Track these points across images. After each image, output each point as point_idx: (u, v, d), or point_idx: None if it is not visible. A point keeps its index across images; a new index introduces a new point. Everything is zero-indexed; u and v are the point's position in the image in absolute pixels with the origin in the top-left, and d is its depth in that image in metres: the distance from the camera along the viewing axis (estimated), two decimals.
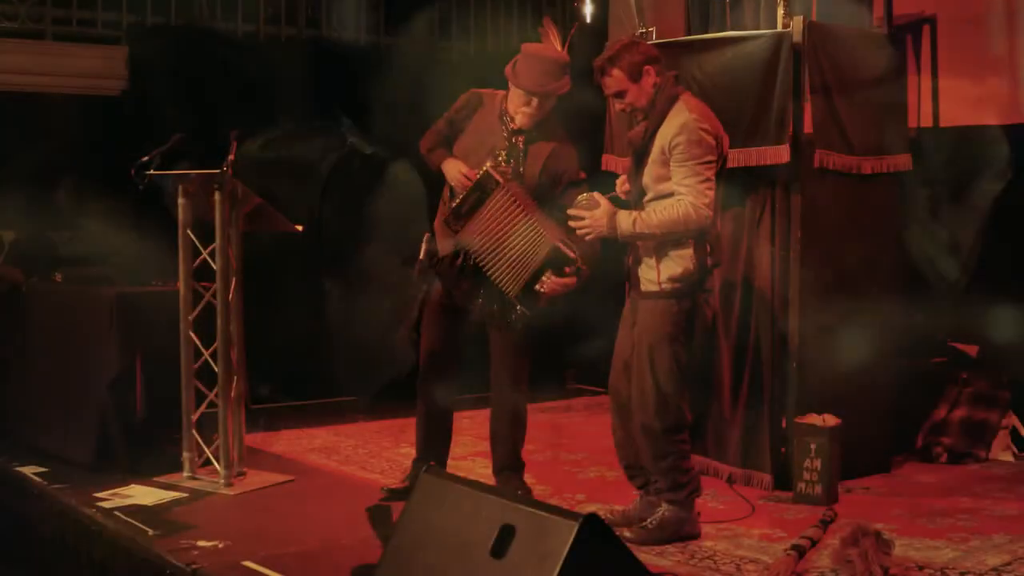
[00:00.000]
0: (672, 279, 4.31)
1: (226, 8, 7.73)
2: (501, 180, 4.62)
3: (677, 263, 4.31)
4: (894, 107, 5.53)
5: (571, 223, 4.40)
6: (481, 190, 4.63)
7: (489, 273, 4.68)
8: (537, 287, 4.61)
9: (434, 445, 5.02)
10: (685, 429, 4.42)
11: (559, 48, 4.77)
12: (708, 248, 4.33)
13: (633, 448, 4.52)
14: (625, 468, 4.64)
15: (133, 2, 7.44)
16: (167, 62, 7.27)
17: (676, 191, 4.24)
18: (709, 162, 4.24)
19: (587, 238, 4.43)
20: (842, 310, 5.37)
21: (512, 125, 4.77)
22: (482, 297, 4.78)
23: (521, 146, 4.77)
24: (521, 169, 4.76)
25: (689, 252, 4.29)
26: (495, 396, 4.99)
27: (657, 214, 4.24)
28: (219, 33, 7.64)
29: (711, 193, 4.24)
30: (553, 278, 4.57)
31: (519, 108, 4.73)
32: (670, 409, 4.35)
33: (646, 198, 4.36)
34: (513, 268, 4.63)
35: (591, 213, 4.32)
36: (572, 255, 4.53)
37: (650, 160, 4.31)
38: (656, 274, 4.34)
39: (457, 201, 4.70)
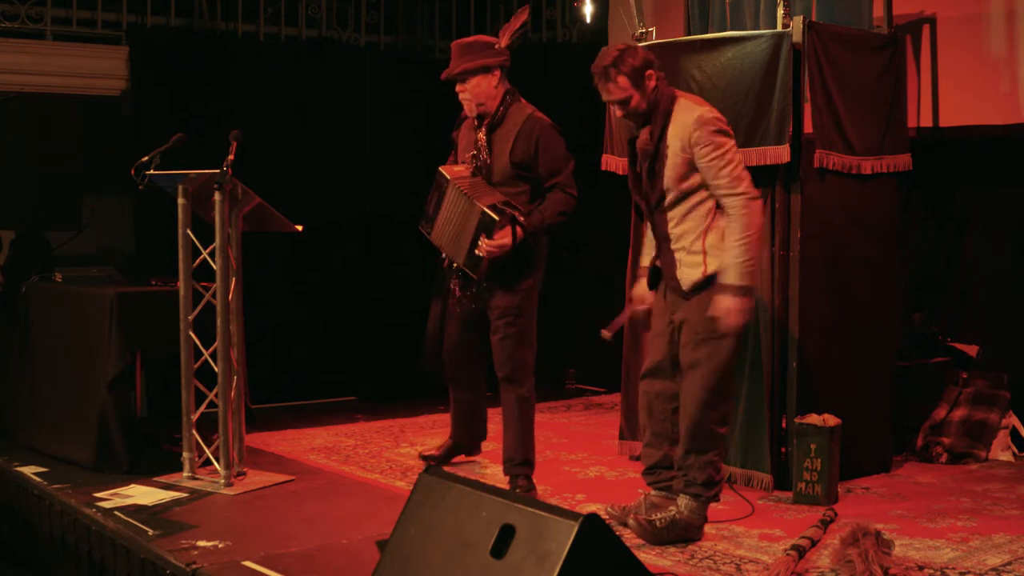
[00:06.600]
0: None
1: (226, 8, 7.74)
2: (449, 176, 4.93)
3: (717, 258, 4.28)
4: (894, 107, 5.52)
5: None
6: (439, 190, 5.00)
7: (445, 254, 5.06)
8: (476, 252, 4.84)
9: (465, 430, 5.55)
10: (727, 424, 4.53)
11: (504, 41, 5.01)
12: None
13: (661, 449, 4.52)
14: (647, 468, 4.59)
15: (133, 2, 7.45)
16: (167, 62, 7.28)
17: (715, 192, 4.23)
18: (732, 146, 4.25)
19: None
20: (842, 310, 5.37)
21: (480, 126, 5.04)
22: (474, 286, 5.04)
23: (483, 139, 4.99)
24: (489, 160, 4.97)
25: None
26: (502, 389, 5.05)
27: (735, 244, 4.19)
28: (219, 33, 7.65)
29: (747, 173, 4.26)
30: (487, 241, 4.79)
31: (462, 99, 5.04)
32: (726, 402, 4.43)
33: (667, 200, 4.31)
34: (456, 242, 4.93)
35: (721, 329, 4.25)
36: (497, 217, 4.74)
37: (668, 162, 4.26)
38: (703, 269, 4.28)
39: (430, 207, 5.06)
